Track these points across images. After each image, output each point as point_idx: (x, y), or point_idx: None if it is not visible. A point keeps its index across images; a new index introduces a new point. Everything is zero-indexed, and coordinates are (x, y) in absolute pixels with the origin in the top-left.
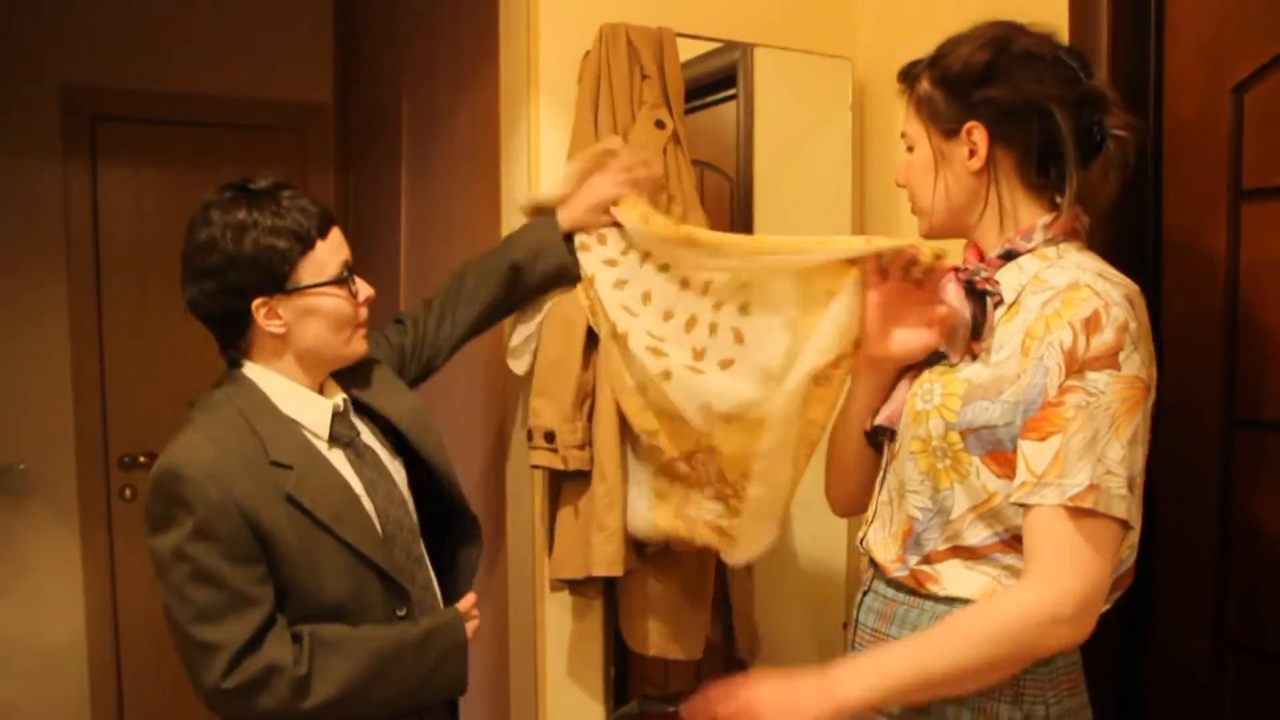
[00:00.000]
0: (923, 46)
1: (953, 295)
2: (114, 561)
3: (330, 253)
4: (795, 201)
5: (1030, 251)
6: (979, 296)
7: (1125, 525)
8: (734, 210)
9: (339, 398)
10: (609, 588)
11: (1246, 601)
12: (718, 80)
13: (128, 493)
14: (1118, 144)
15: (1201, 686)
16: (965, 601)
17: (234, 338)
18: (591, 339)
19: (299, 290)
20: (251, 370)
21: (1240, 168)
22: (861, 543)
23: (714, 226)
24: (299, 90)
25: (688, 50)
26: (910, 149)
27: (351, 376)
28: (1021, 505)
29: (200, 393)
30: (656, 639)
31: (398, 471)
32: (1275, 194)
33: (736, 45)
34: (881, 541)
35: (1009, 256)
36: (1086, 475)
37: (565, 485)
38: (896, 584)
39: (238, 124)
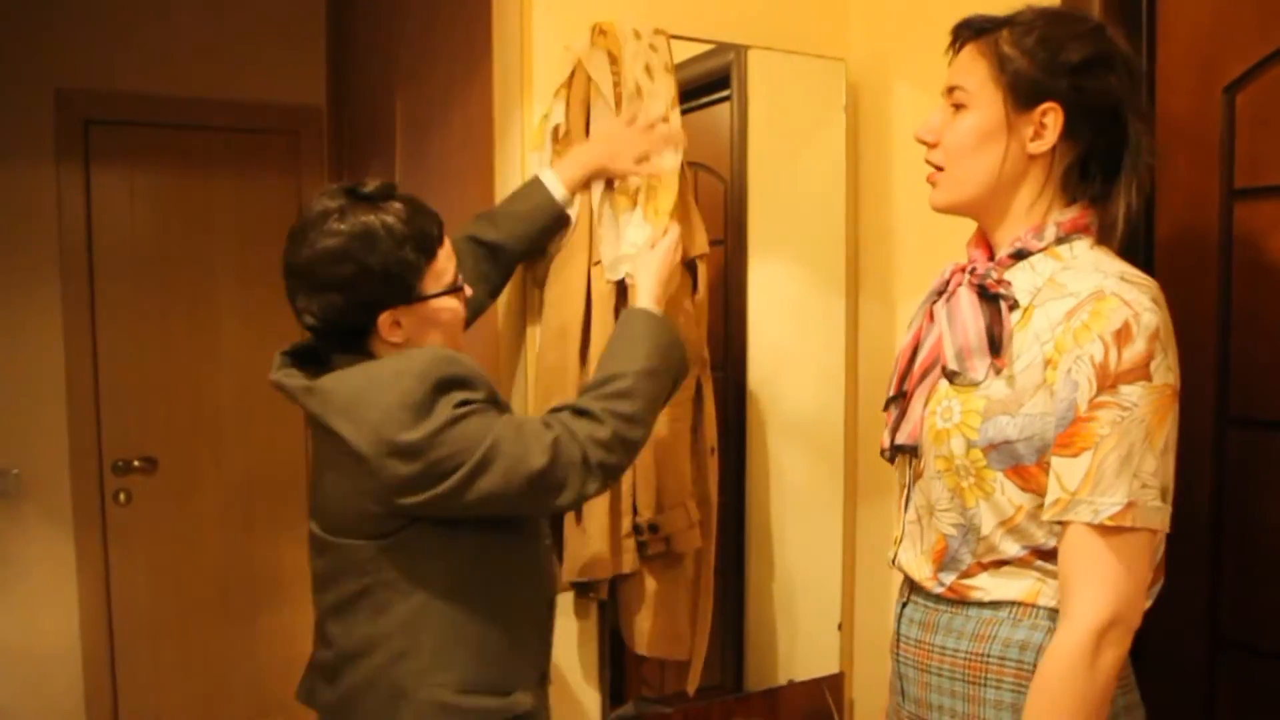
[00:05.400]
0: (917, 47)
1: (965, 305)
2: (108, 566)
3: (447, 259)
4: (789, 202)
5: (1042, 250)
6: (993, 301)
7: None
8: (728, 211)
9: None
10: (609, 589)
11: (1241, 600)
12: (712, 81)
13: (121, 496)
14: (1146, 165)
15: (1196, 685)
16: (1011, 604)
17: (345, 346)
18: (585, 345)
19: (424, 300)
20: None
21: (1232, 167)
22: (893, 563)
23: (708, 227)
24: (292, 93)
25: (682, 51)
26: (960, 106)
27: None
28: (1057, 523)
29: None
30: (656, 640)
31: None
32: (1267, 193)
33: (731, 47)
34: (914, 561)
35: (1020, 256)
36: (1124, 494)
37: None
38: (936, 597)
39: (231, 127)
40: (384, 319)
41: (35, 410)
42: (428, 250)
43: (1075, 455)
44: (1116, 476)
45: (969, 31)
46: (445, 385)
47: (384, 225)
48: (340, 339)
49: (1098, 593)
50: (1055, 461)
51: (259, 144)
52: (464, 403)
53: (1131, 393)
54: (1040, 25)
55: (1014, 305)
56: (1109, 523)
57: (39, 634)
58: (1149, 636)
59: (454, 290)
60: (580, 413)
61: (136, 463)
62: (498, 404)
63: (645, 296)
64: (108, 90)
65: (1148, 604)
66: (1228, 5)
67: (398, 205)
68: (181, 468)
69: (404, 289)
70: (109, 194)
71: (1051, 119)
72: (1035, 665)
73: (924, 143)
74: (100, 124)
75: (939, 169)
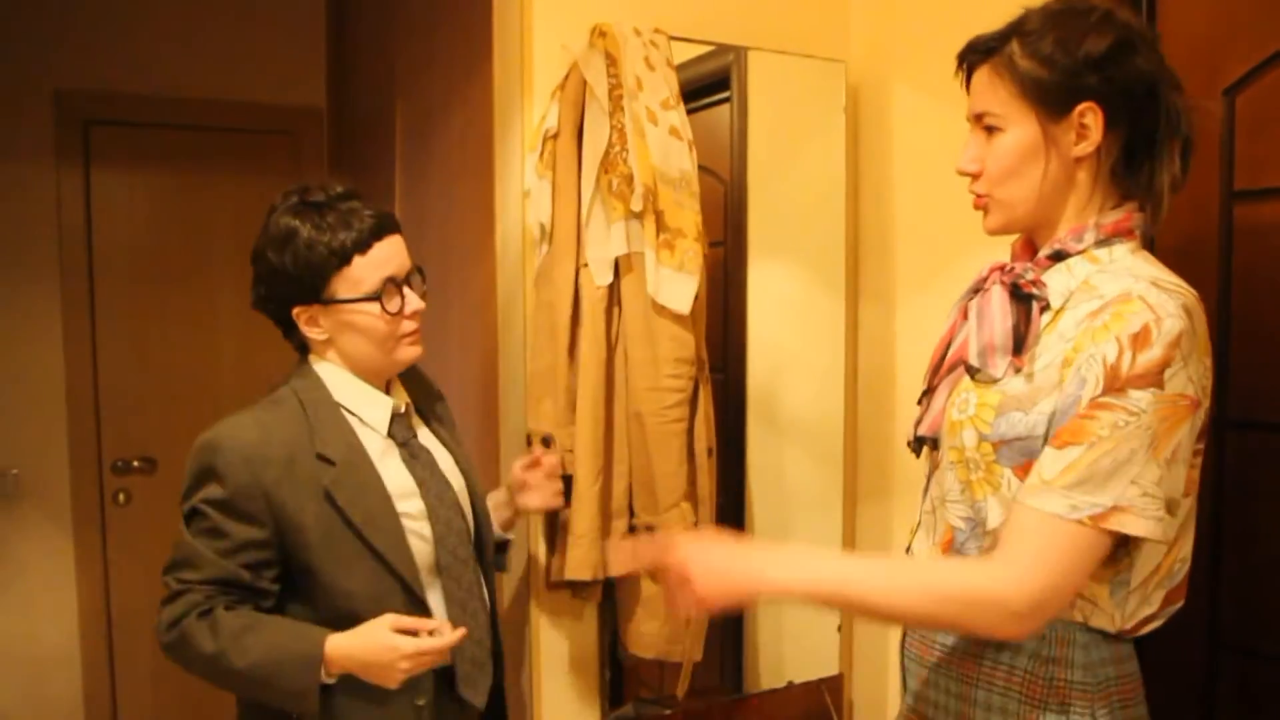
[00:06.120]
0: (917, 48)
1: (996, 303)
2: (107, 566)
3: (371, 268)
4: (789, 204)
5: (1080, 253)
6: (1025, 301)
7: (1120, 542)
8: (728, 212)
9: (402, 401)
10: (607, 590)
11: (1240, 603)
12: (712, 83)
13: (121, 497)
14: (1188, 125)
15: (1196, 688)
16: None
17: (290, 335)
18: (573, 345)
19: (334, 303)
20: (316, 363)
21: (1232, 169)
22: (908, 551)
23: (708, 228)
24: (292, 93)
25: (682, 53)
26: (993, 130)
27: (422, 397)
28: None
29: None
30: (653, 641)
31: (455, 478)
32: (1266, 195)
33: (730, 48)
34: (926, 550)
35: (1058, 257)
36: (1111, 497)
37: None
38: None
39: (231, 128)
40: (297, 314)
41: (35, 411)
42: (341, 255)
43: (1061, 448)
44: (1108, 479)
45: (976, 55)
46: (202, 476)
47: (299, 228)
48: (280, 326)
49: (1038, 570)
50: (1044, 451)
51: (259, 144)
52: (209, 501)
53: (1141, 398)
54: (1050, 29)
55: (1045, 306)
56: (1088, 521)
57: (38, 634)
58: (1149, 638)
59: (370, 299)
60: (202, 616)
61: (136, 463)
62: (244, 501)
63: (341, 653)
64: (108, 91)
65: (1158, 624)
66: (1227, 8)
67: (330, 210)
68: (181, 468)
69: (309, 290)
70: (109, 195)
71: (1091, 118)
72: (1024, 670)
73: (967, 174)
74: (100, 124)
75: (986, 195)
